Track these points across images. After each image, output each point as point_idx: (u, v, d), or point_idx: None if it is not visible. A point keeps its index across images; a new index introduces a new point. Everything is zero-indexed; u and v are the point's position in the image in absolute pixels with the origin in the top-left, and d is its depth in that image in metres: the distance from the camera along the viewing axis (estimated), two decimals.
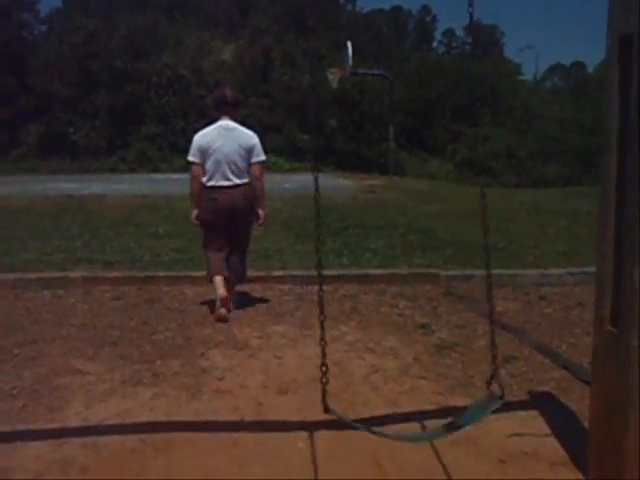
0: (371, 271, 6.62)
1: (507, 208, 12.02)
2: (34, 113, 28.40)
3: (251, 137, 5.50)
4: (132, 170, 27.06)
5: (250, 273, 5.92)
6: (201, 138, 5.45)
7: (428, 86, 36.23)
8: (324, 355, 2.61)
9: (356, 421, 3.08)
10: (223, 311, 5.23)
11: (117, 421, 3.51)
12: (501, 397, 2.79)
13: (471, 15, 2.78)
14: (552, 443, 3.37)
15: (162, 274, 6.29)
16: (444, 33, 62.45)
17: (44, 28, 32.03)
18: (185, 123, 30.07)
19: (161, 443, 3.30)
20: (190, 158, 5.44)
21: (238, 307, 5.55)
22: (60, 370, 4.22)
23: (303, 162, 29.60)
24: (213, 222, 5.38)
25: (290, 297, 5.96)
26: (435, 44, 60.54)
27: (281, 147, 30.12)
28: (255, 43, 33.36)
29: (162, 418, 3.58)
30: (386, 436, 2.83)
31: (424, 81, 36.72)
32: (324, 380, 2.58)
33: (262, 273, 6.41)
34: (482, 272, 6.84)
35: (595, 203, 2.77)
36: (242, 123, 5.60)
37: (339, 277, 6.30)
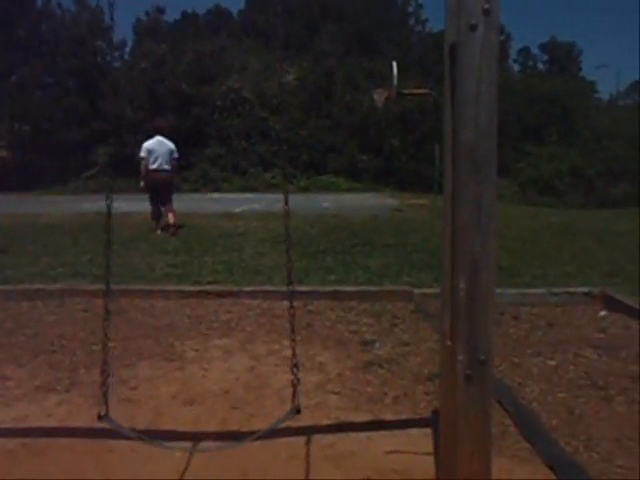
0: (342, 288, 6.55)
1: (532, 228, 11.67)
2: (104, 135, 29.54)
3: (172, 146, 11.25)
4: (195, 190, 27.66)
5: (221, 288, 6.60)
6: (148, 144, 11.12)
7: (499, 105, 35.50)
8: (105, 362, 2.69)
9: (232, 435, 3.08)
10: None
11: (10, 425, 3.64)
12: (298, 411, 2.91)
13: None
14: (428, 462, 3.27)
15: (135, 287, 6.43)
16: (519, 52, 61.16)
17: (116, 54, 33.50)
18: (247, 144, 30.69)
19: (39, 447, 3.40)
20: (142, 154, 11.07)
21: (191, 321, 5.67)
22: None
23: (362, 182, 29.60)
24: (152, 187, 11.06)
25: (253, 312, 5.98)
26: (510, 62, 59.26)
27: (341, 167, 30.23)
28: (318, 65, 33.75)
29: (55, 424, 3.68)
30: (162, 446, 2.96)
31: None
32: (104, 389, 2.68)
33: (234, 288, 6.47)
34: None
35: None
36: (167, 137, 11.46)
37: (310, 293, 6.28)
